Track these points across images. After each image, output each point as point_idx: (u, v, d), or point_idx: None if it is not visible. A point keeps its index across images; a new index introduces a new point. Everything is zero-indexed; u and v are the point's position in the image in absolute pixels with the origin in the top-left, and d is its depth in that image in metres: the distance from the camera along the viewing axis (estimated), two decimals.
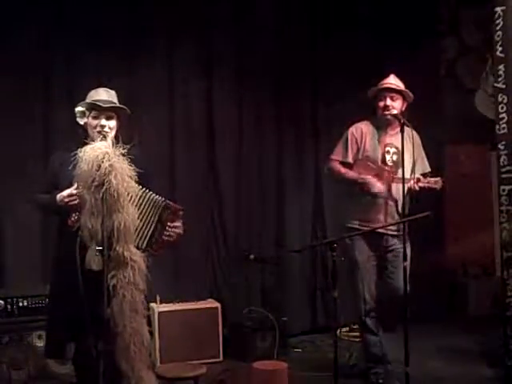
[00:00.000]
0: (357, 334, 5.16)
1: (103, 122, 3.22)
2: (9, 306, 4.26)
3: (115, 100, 3.32)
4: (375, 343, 4.24)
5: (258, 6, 5.50)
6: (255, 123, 5.65)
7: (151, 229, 3.10)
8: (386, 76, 4.22)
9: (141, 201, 3.09)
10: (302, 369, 4.51)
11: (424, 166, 4.30)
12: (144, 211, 3.09)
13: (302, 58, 5.68)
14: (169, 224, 3.13)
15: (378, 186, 4.09)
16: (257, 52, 5.54)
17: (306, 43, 5.71)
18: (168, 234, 3.14)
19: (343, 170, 4.25)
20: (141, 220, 3.08)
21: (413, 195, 4.09)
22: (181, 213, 3.17)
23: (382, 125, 4.23)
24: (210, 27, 5.43)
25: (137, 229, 3.07)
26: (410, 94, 4.18)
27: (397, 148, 4.12)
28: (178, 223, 3.17)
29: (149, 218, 3.10)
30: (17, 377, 4.20)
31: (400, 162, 3.98)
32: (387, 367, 4.23)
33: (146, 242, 3.11)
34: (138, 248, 3.09)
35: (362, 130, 4.26)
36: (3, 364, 4.17)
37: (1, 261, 4.80)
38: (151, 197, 3.11)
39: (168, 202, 3.14)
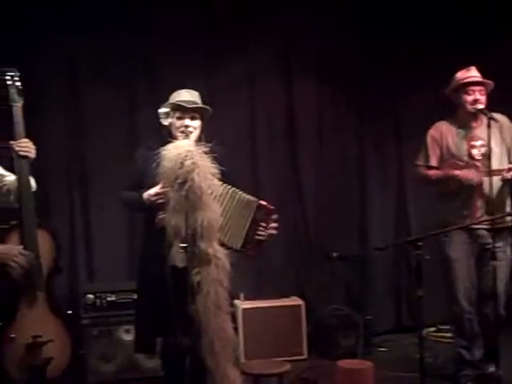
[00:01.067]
0: (444, 334, 5.05)
1: (187, 122, 3.27)
2: (98, 301, 4.38)
3: (198, 100, 3.37)
4: (466, 345, 4.10)
5: (336, 5, 5.44)
6: (336, 122, 5.60)
7: (245, 229, 3.09)
8: (464, 69, 4.10)
9: (232, 201, 3.09)
10: (387, 368, 4.42)
11: None
12: (236, 211, 3.08)
13: (383, 57, 5.56)
14: (262, 224, 3.12)
15: (471, 175, 3.95)
16: (337, 50, 5.48)
17: (388, 41, 5.56)
18: (262, 234, 3.13)
19: (430, 172, 4.15)
20: (234, 220, 3.08)
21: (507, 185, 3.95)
22: (275, 216, 3.16)
23: (465, 120, 4.10)
24: (290, 25, 5.41)
25: (230, 229, 3.08)
26: (492, 85, 4.04)
27: (483, 139, 3.97)
28: (271, 223, 3.16)
29: (242, 218, 3.09)
30: (106, 369, 4.34)
31: (490, 153, 3.85)
32: (477, 370, 4.10)
33: (241, 243, 3.10)
34: (232, 248, 3.10)
35: (441, 129, 4.15)
36: (93, 356, 4.32)
37: (91, 257, 4.98)
38: (243, 196, 3.10)
39: (261, 202, 3.13)
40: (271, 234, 3.16)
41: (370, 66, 5.54)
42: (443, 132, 4.13)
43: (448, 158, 4.09)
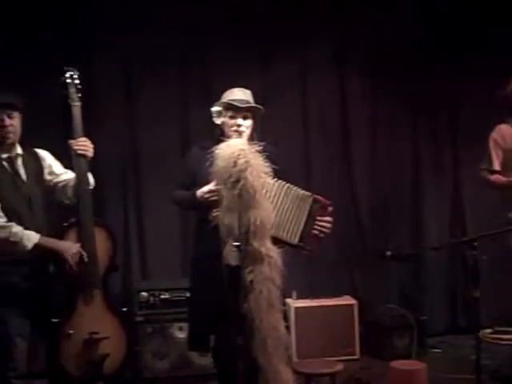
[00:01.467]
0: (501, 336, 4.94)
1: (240, 121, 3.27)
2: (151, 298, 4.43)
3: (251, 99, 3.36)
4: None
5: (393, 3, 5.37)
6: (390, 121, 5.52)
7: (302, 223, 3.07)
8: None
9: (287, 196, 3.07)
10: (441, 370, 4.35)
11: None
12: (292, 206, 3.06)
13: (439, 55, 5.45)
14: (318, 218, 3.10)
15: None
16: (391, 49, 5.41)
17: (444, 40, 5.45)
18: (318, 228, 3.11)
19: (493, 178, 4.11)
20: (290, 215, 3.06)
21: None
22: (330, 208, 3.14)
23: None
24: (343, 23, 5.37)
25: (287, 224, 3.06)
26: None
27: None
28: (327, 217, 3.13)
29: (298, 212, 3.06)
30: (160, 366, 4.39)
31: None
32: None
33: (298, 238, 3.07)
34: (289, 244, 3.09)
35: (503, 132, 4.12)
36: (147, 353, 4.38)
37: (144, 256, 5.04)
38: (298, 191, 3.09)
39: (316, 196, 3.11)
40: (327, 229, 3.14)
41: (425, 64, 5.44)
42: (505, 134, 4.10)
43: (510, 161, 4.02)
